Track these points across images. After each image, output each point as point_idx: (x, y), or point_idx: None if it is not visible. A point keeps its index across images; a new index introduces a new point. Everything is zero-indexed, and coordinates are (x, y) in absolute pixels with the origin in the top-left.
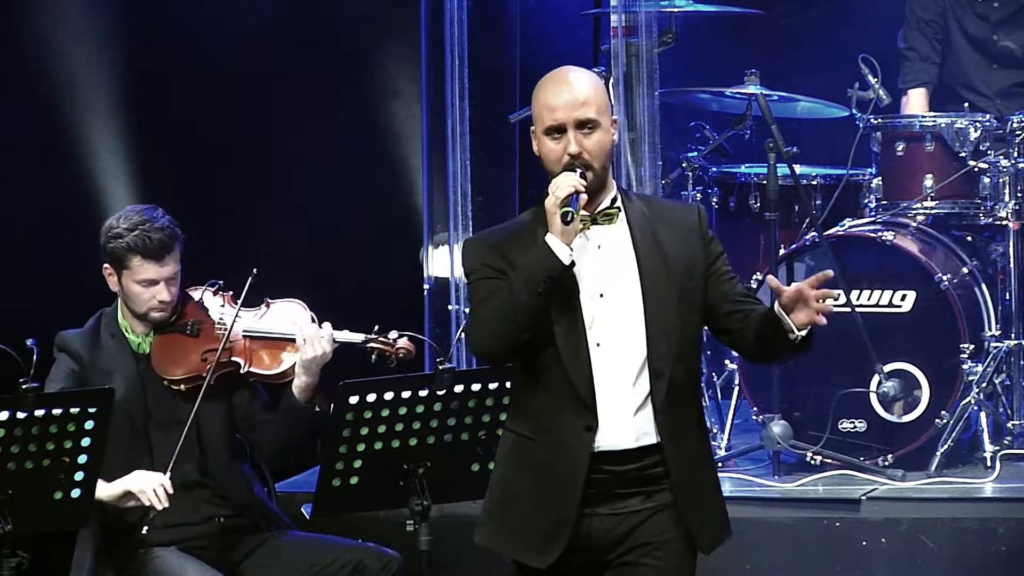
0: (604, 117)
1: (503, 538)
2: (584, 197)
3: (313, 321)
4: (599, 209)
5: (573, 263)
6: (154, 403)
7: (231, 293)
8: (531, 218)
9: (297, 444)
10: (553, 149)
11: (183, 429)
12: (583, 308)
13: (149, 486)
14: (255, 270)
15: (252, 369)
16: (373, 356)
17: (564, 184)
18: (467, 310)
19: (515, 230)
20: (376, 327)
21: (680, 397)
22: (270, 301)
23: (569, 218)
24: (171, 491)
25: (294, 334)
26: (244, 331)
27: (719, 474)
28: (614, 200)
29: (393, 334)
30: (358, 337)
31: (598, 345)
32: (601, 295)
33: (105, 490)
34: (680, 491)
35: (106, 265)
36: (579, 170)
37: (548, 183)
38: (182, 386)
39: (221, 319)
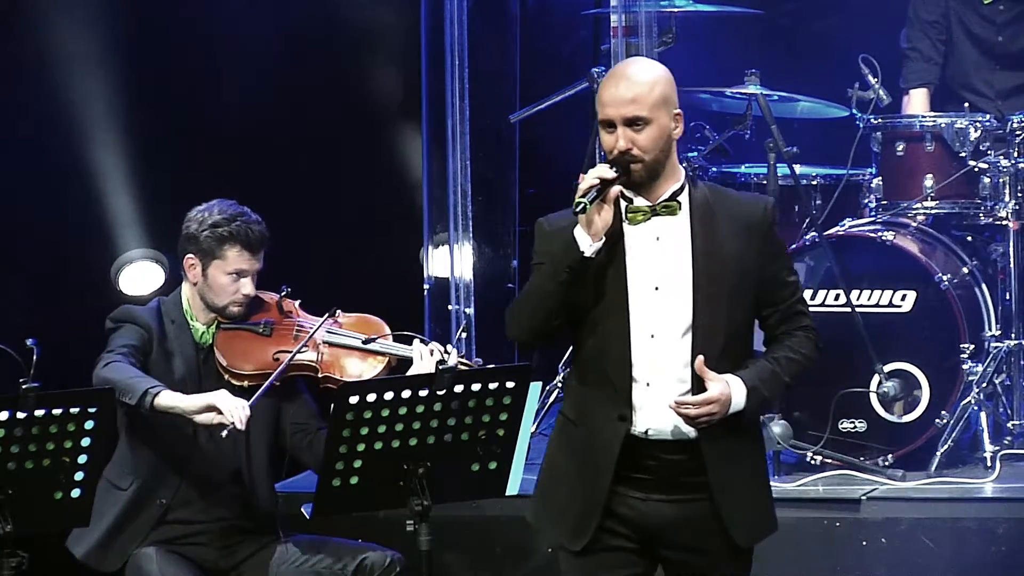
0: (659, 112)
1: (544, 518)
2: (616, 189)
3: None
4: (659, 200)
5: (599, 253)
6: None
7: (299, 301)
8: None
9: None
10: (607, 140)
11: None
12: (638, 299)
13: (233, 405)
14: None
15: (330, 375)
16: None
17: (589, 176)
18: (467, 310)
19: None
20: (462, 353)
21: None
22: (346, 314)
23: (579, 209)
24: (248, 415)
25: (407, 354)
26: (327, 339)
27: None
28: (679, 191)
29: (479, 360)
30: (451, 361)
31: (652, 336)
32: (656, 288)
33: (187, 402)
34: (718, 488)
35: (190, 255)
36: (614, 165)
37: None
38: (246, 382)
39: (299, 324)
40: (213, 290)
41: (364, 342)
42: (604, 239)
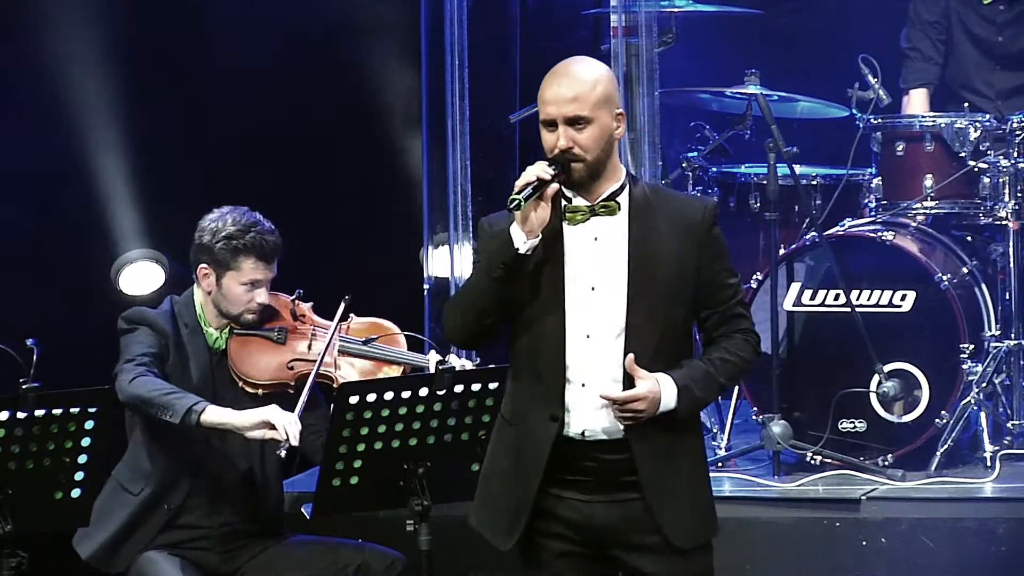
0: (601, 111)
1: (481, 518)
2: (554, 186)
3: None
4: (599, 200)
5: (534, 251)
6: (219, 399)
7: (311, 304)
8: None
9: None
10: (547, 139)
11: None
12: (575, 299)
13: (287, 421)
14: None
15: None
16: None
17: (527, 174)
18: None
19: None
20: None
21: None
22: (360, 318)
23: (512, 205)
24: (300, 429)
25: (422, 362)
26: (343, 347)
27: (720, 474)
28: (619, 191)
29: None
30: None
31: (588, 337)
32: (593, 288)
33: (238, 418)
34: (650, 487)
35: (203, 265)
36: (553, 164)
37: None
38: (260, 391)
39: (314, 333)
40: (227, 299)
41: (364, 342)
42: (540, 237)
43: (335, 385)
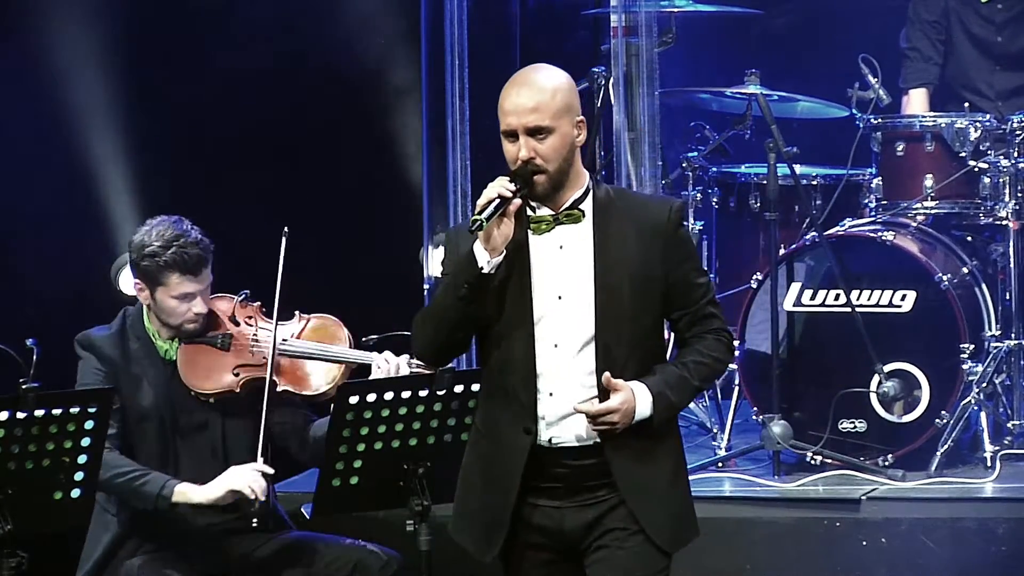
0: (561, 120)
1: (460, 529)
2: (517, 202)
3: (350, 341)
4: (562, 208)
5: (499, 268)
6: (179, 410)
7: (259, 304)
8: None
9: None
10: (508, 150)
11: (207, 435)
12: (542, 309)
13: (248, 482)
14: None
15: (288, 388)
16: None
17: (488, 191)
18: None
19: None
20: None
21: None
22: (303, 316)
23: (474, 227)
24: (270, 471)
25: (366, 360)
26: (282, 349)
27: (720, 474)
28: (582, 197)
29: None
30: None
31: (556, 346)
32: (560, 297)
33: (206, 495)
34: (628, 490)
35: (136, 281)
36: (515, 178)
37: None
38: (211, 399)
39: (255, 337)
40: (165, 312)
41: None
42: (504, 253)
43: (277, 389)
